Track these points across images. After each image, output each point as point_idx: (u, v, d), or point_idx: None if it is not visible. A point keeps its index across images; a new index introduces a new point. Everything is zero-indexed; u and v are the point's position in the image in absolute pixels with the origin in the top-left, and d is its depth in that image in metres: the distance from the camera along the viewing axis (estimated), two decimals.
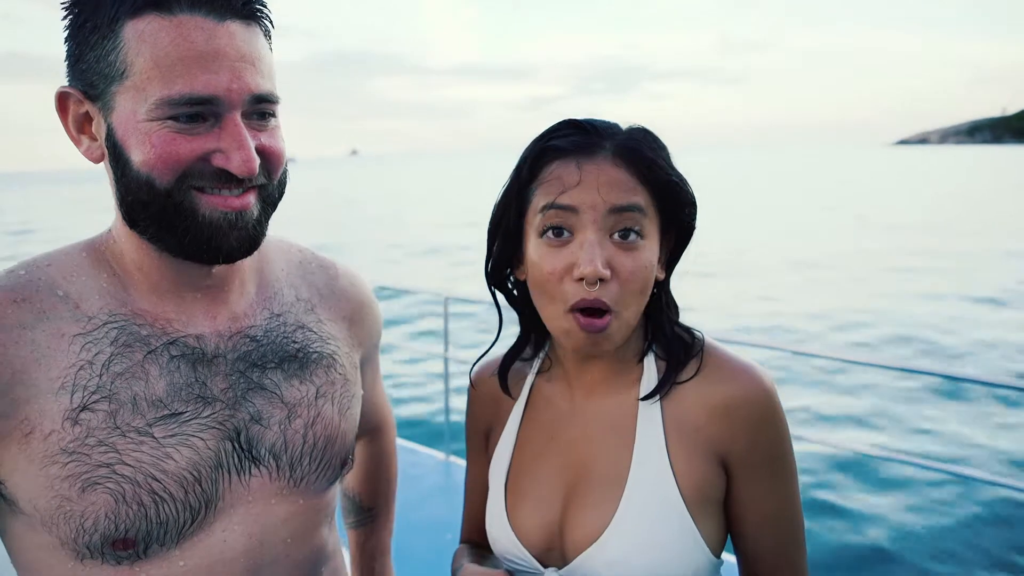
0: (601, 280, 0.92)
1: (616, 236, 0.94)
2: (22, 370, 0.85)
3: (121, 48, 0.83)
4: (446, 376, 4.93)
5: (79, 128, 0.90)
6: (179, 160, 0.84)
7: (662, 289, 1.05)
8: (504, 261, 1.06)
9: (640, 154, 0.95)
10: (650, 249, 0.96)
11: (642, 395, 1.02)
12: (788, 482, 1.02)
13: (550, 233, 0.95)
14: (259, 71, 0.87)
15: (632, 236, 0.94)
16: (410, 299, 12.92)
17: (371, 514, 1.43)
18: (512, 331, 1.17)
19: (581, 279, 0.92)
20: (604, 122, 1.00)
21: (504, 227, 1.02)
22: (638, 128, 1.00)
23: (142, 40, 0.82)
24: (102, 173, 0.94)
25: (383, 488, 1.43)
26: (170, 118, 0.83)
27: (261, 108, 0.89)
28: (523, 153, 1.00)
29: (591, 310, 0.94)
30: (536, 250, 0.97)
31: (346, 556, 1.30)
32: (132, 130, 0.84)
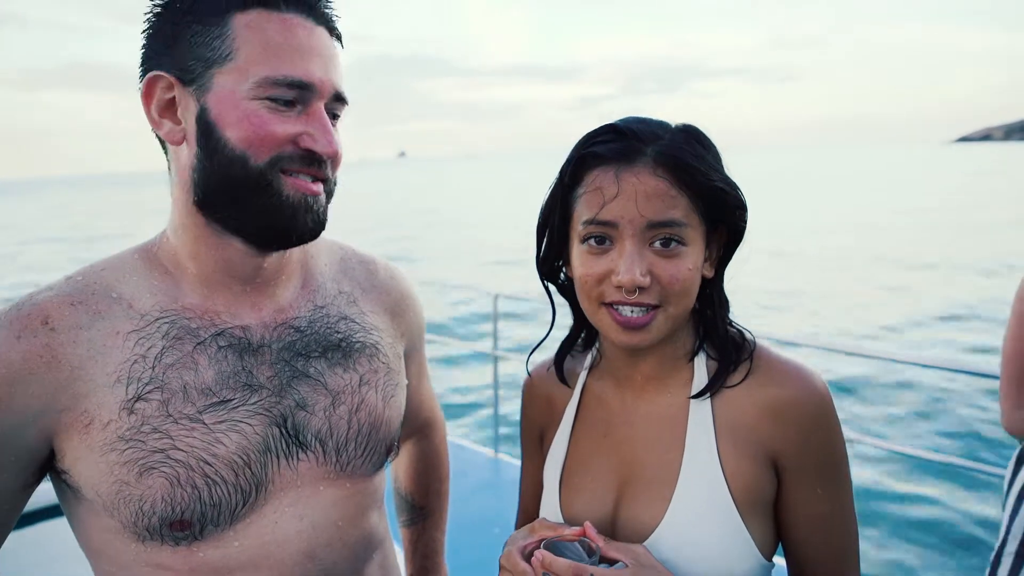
0: (640, 288, 0.94)
1: (657, 244, 0.95)
2: (79, 367, 0.91)
3: (228, 35, 0.91)
4: (495, 374, 4.94)
5: (160, 112, 0.96)
6: (275, 139, 0.91)
7: (713, 287, 1.05)
8: (553, 256, 1.08)
9: (681, 162, 0.94)
10: (692, 254, 0.97)
11: (692, 394, 1.03)
12: (840, 488, 1.01)
13: (591, 241, 0.98)
14: (339, 73, 0.98)
15: (673, 244, 0.95)
16: (459, 296, 12.99)
17: (423, 513, 1.44)
18: (564, 327, 1.17)
19: (620, 287, 0.95)
20: (647, 125, 0.98)
21: (550, 227, 1.05)
22: (683, 131, 0.98)
23: (250, 28, 0.91)
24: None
25: (435, 487, 1.45)
26: (268, 98, 0.91)
27: (335, 107, 0.98)
28: (567, 157, 1.01)
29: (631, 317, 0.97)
30: (578, 255, 1.00)
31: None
32: (231, 108, 0.91)
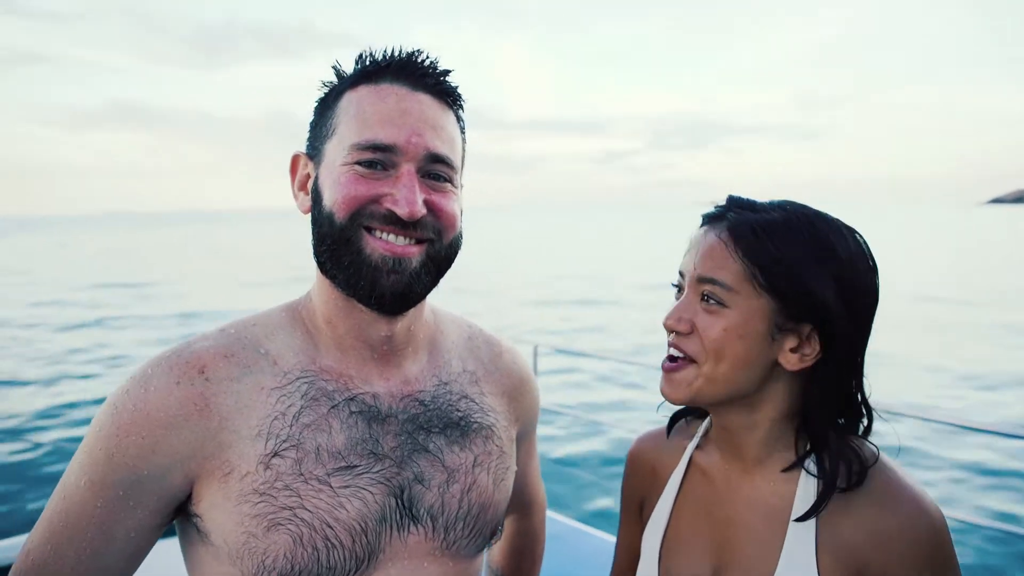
0: (679, 333, 1.01)
1: (704, 299, 1.01)
2: (227, 417, 0.96)
3: (335, 113, 1.01)
4: None
5: (301, 186, 1.06)
6: (356, 198, 0.96)
7: (816, 385, 1.01)
8: None
9: (743, 230, 0.99)
10: (735, 319, 0.98)
11: (795, 516, 0.99)
12: None
13: (673, 285, 1.08)
14: (438, 135, 0.99)
15: (712, 302, 1.00)
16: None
17: None
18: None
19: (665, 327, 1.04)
20: (754, 202, 1.03)
21: None
22: (780, 209, 1.00)
23: (350, 103, 1.00)
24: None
25: (527, 566, 1.45)
26: (357, 163, 0.96)
27: (436, 169, 0.99)
28: None
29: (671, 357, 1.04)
30: None
31: None
32: (329, 174, 0.99)
